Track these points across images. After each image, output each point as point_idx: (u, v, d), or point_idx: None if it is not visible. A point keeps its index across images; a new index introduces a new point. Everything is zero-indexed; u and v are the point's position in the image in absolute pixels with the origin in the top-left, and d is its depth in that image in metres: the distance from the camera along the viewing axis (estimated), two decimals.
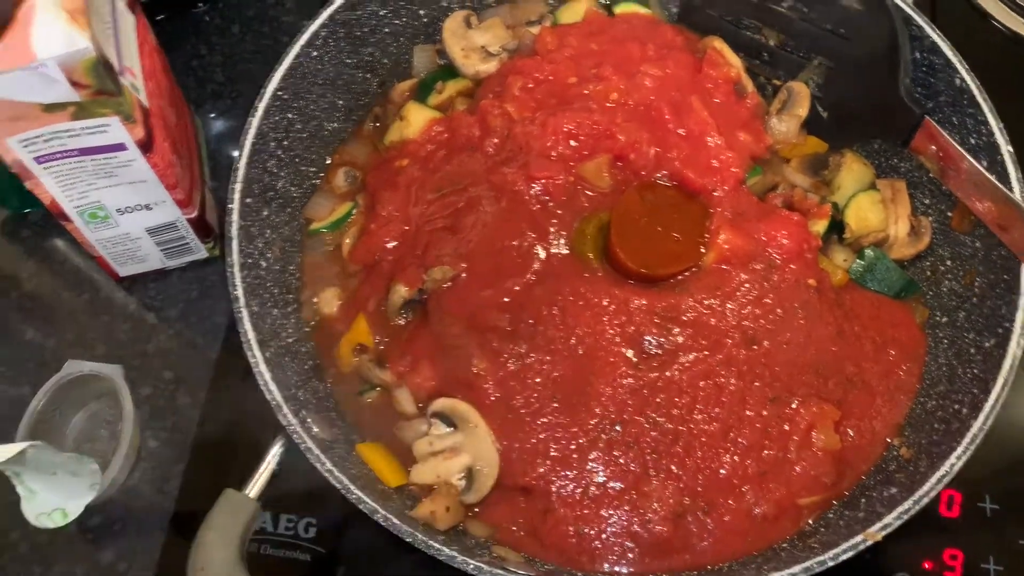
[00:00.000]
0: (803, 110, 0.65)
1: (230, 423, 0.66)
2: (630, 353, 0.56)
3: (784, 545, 0.54)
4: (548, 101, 0.64)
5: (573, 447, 0.55)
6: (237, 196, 0.57)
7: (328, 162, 0.67)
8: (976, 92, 0.59)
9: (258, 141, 0.59)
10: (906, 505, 0.50)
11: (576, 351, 0.56)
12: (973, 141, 0.59)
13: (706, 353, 0.56)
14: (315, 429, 0.54)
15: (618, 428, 0.55)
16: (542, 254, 0.59)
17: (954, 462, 0.50)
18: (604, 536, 0.55)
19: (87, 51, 0.48)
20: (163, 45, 0.65)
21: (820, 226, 0.62)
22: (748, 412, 0.56)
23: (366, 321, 0.61)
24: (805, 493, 0.55)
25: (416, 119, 0.66)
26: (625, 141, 0.61)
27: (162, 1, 0.75)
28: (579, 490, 0.55)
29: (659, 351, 0.56)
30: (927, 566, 0.60)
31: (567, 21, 0.69)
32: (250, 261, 0.57)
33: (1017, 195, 0.57)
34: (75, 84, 0.50)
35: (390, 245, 0.62)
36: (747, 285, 0.58)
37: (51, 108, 0.52)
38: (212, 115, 0.76)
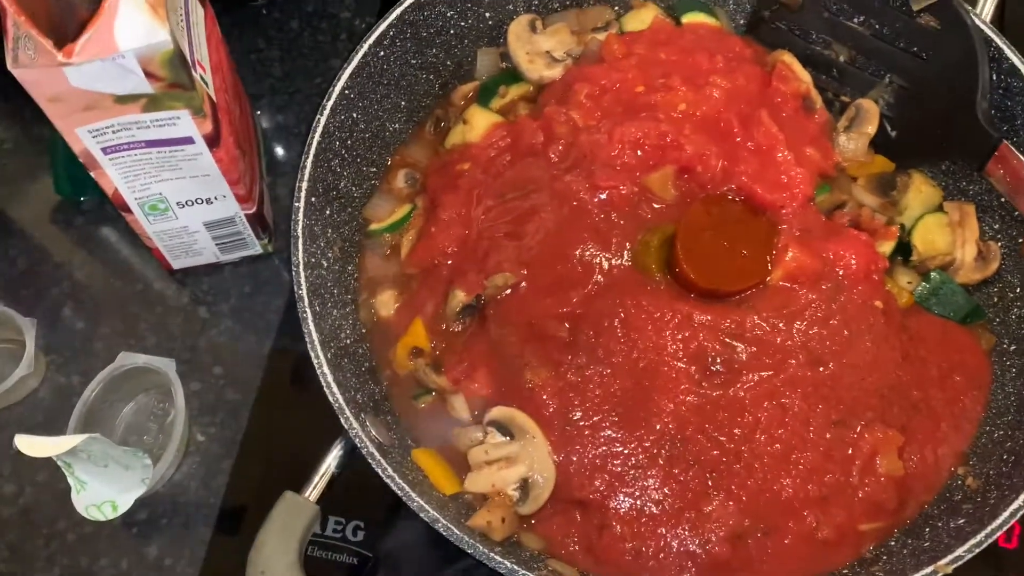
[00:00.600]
0: (872, 128, 0.64)
1: (279, 422, 0.66)
2: (692, 369, 0.55)
3: (845, 572, 0.54)
4: (614, 109, 0.63)
5: (632, 463, 0.55)
6: (303, 194, 0.57)
7: (388, 163, 0.66)
8: None
9: (324, 139, 0.59)
10: (978, 538, 0.49)
11: (637, 365, 0.55)
12: None
13: (770, 372, 0.55)
14: (373, 433, 0.53)
15: (678, 445, 0.54)
16: (604, 264, 0.58)
17: None
18: (661, 555, 0.54)
19: (166, 43, 0.48)
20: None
21: (887, 247, 0.61)
22: (811, 434, 0.55)
23: (423, 325, 0.61)
24: (867, 519, 0.54)
25: (479, 123, 0.65)
26: (692, 153, 0.60)
27: None
28: (637, 507, 0.54)
29: (722, 368, 0.55)
30: None
31: (633, 29, 0.68)
32: (312, 260, 0.57)
33: None
34: (150, 76, 0.50)
35: (449, 249, 0.62)
36: (814, 305, 0.57)
37: (123, 100, 0.51)
38: (269, 110, 0.76)
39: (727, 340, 0.56)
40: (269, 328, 0.68)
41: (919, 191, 0.64)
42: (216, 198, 0.61)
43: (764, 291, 0.58)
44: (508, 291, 0.58)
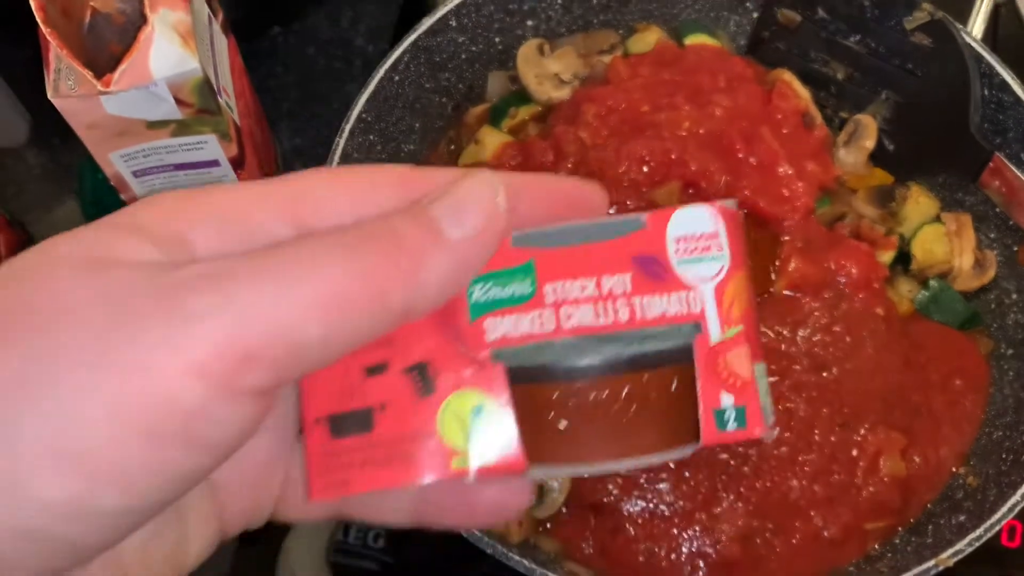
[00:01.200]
0: (870, 142, 0.67)
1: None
2: None
3: (851, 569, 0.55)
4: (621, 128, 0.65)
5: (644, 467, 0.57)
6: None
7: None
8: None
9: (343, 160, 0.61)
10: (977, 532, 0.51)
11: None
12: None
13: (776, 378, 0.58)
14: None
15: None
16: None
17: None
18: (673, 556, 0.56)
19: (195, 72, 0.51)
20: None
21: (887, 256, 0.63)
22: (816, 437, 0.57)
23: None
24: (872, 518, 0.56)
25: (491, 143, 0.68)
26: (696, 169, 0.63)
27: (240, 23, 0.78)
28: (649, 509, 0.56)
29: None
30: None
31: (638, 51, 0.71)
32: None
33: None
34: (180, 103, 0.52)
35: None
36: (817, 313, 0.59)
37: (154, 125, 0.54)
38: (287, 133, 0.78)
39: None
40: None
41: (917, 203, 0.66)
42: None
43: (768, 300, 0.60)
44: None
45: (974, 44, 0.63)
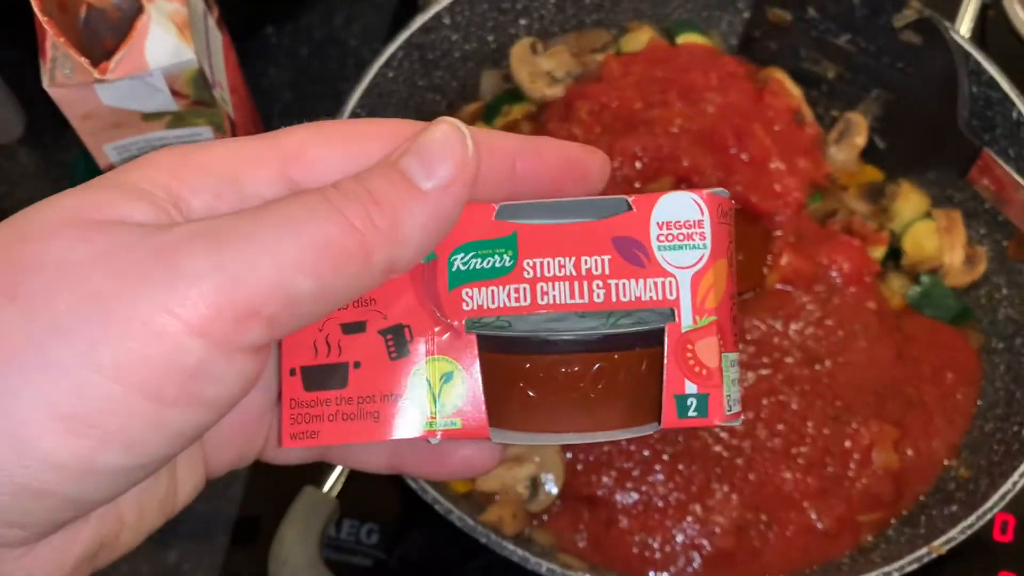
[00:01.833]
0: (861, 140, 0.67)
1: None
2: None
3: (845, 560, 0.56)
4: (614, 125, 0.66)
5: (638, 459, 0.57)
6: None
7: None
8: None
9: None
10: (969, 520, 0.51)
11: None
12: None
13: (769, 371, 0.58)
14: None
15: (681, 441, 0.57)
16: None
17: (1016, 479, 0.52)
18: (667, 548, 0.56)
19: (191, 63, 0.51)
20: None
21: (878, 252, 0.63)
22: (809, 429, 0.57)
23: None
24: (865, 510, 0.57)
25: None
26: (689, 165, 0.63)
27: (233, 23, 0.78)
28: (643, 501, 0.56)
29: None
30: None
31: (630, 50, 0.72)
32: None
33: None
34: (176, 94, 0.52)
35: None
36: (809, 306, 0.59)
37: (149, 117, 0.54)
38: None
39: None
40: None
41: (908, 199, 0.66)
42: None
43: (761, 294, 0.60)
44: None
45: (962, 42, 0.64)
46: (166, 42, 0.49)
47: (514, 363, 0.27)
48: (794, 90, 0.68)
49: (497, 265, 0.26)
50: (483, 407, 0.26)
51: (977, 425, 0.59)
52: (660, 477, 0.56)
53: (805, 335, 0.59)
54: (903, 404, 0.59)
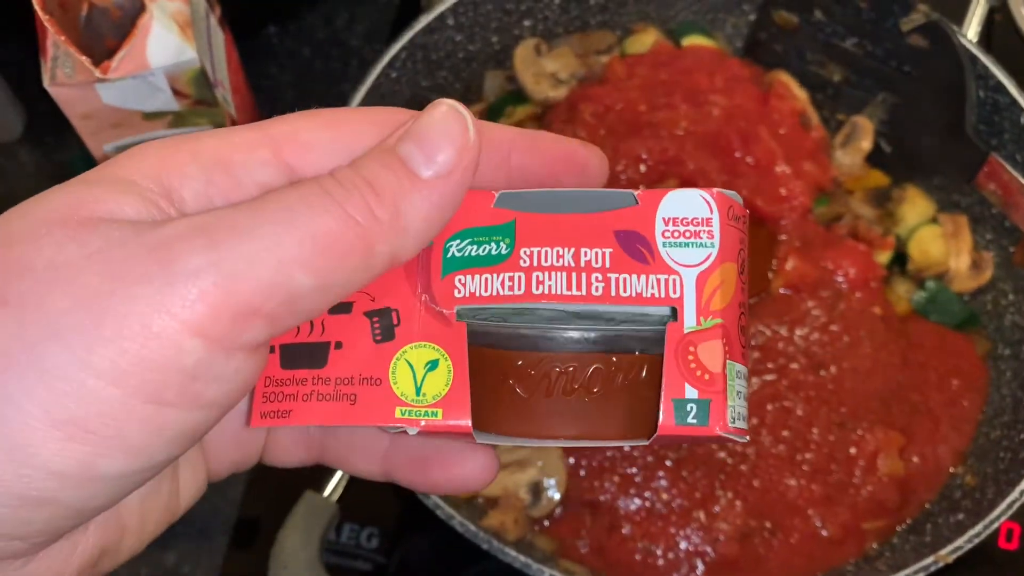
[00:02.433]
0: (867, 143, 0.67)
1: None
2: None
3: (850, 568, 0.55)
4: (618, 127, 0.65)
5: (641, 465, 0.56)
6: None
7: None
8: None
9: None
10: (977, 529, 0.50)
11: None
12: None
13: (774, 377, 0.57)
14: None
15: (685, 447, 0.56)
16: None
17: None
18: (671, 555, 0.55)
19: (193, 62, 0.50)
20: None
21: (884, 257, 0.63)
22: (814, 436, 0.57)
23: None
24: (870, 517, 0.56)
25: None
26: (694, 168, 0.63)
27: (235, 22, 0.78)
28: (646, 507, 0.56)
29: None
30: None
31: (635, 51, 0.71)
32: None
33: None
34: (177, 94, 0.52)
35: None
36: (814, 312, 0.59)
37: (150, 116, 0.54)
38: None
39: None
40: None
41: (914, 204, 0.66)
42: None
43: (766, 299, 0.60)
44: None
45: (969, 46, 0.63)
46: (168, 41, 0.49)
47: (505, 358, 0.25)
48: (800, 93, 0.68)
49: (493, 253, 0.25)
50: (467, 399, 0.25)
51: (983, 432, 0.59)
52: (664, 483, 0.56)
53: (810, 340, 0.58)
54: (909, 410, 0.59)
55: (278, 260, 0.22)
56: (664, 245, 0.25)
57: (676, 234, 0.25)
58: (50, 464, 0.21)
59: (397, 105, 0.69)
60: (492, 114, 0.70)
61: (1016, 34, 0.74)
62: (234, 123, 0.58)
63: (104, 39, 0.53)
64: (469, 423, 0.25)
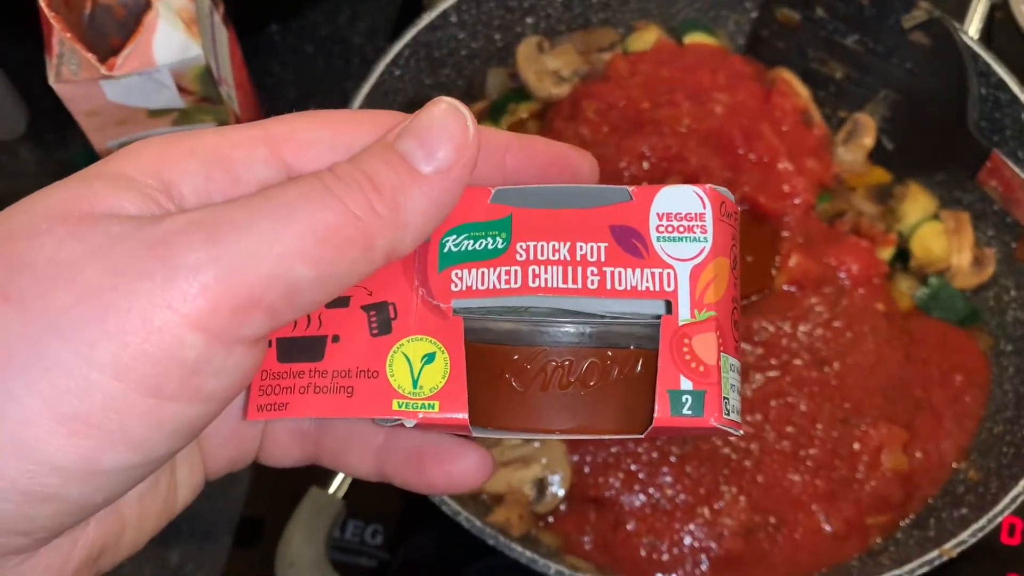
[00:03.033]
0: (869, 140, 0.67)
1: None
2: None
3: (854, 563, 0.55)
4: (621, 125, 0.66)
5: (645, 461, 0.56)
6: None
7: None
8: None
9: None
10: (980, 523, 0.50)
11: None
12: None
13: (777, 373, 0.58)
14: None
15: (689, 443, 0.56)
16: None
17: None
18: (675, 550, 0.55)
19: (198, 59, 0.50)
20: None
21: (887, 253, 0.63)
22: (818, 432, 0.57)
23: None
24: (874, 512, 0.56)
25: None
26: (697, 165, 0.63)
27: (237, 20, 0.78)
28: (651, 503, 0.56)
29: None
30: None
31: (637, 49, 0.71)
32: None
33: None
34: (182, 91, 0.52)
35: None
36: (817, 308, 0.59)
37: (155, 113, 0.54)
38: None
39: None
40: None
41: (916, 200, 0.66)
42: None
43: (769, 295, 0.60)
44: None
45: (971, 43, 0.63)
46: (174, 38, 0.49)
47: (501, 352, 0.26)
48: (802, 90, 0.68)
49: (489, 247, 0.25)
50: (464, 392, 0.25)
51: (986, 427, 0.59)
52: (668, 479, 0.56)
53: (813, 337, 0.58)
54: (912, 406, 0.59)
55: (278, 253, 0.22)
56: (658, 240, 0.26)
57: (670, 229, 0.26)
58: (53, 459, 0.21)
59: (400, 103, 0.70)
60: (495, 112, 0.70)
61: (1017, 31, 0.75)
62: (238, 120, 0.58)
63: (108, 37, 0.53)
64: (466, 416, 0.25)
